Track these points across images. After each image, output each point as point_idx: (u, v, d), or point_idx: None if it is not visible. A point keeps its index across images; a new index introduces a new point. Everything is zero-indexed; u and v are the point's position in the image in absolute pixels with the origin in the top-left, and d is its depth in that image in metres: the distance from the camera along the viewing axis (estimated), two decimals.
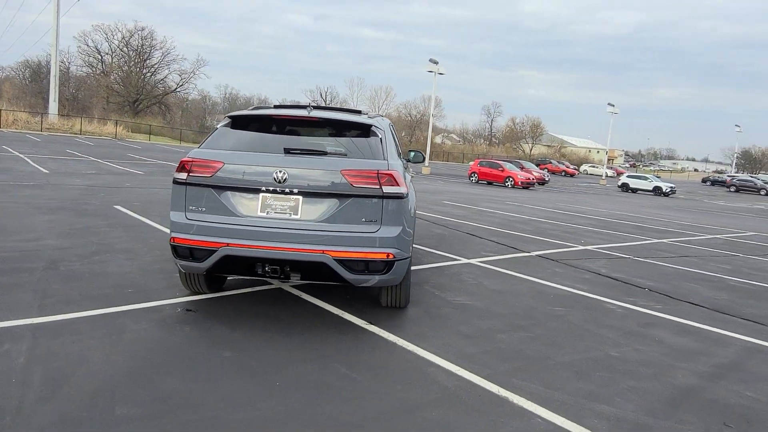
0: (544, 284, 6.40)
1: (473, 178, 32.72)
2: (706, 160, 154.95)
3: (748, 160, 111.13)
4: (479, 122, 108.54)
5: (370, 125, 4.59)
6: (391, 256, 4.18)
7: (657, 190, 38.25)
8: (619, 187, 40.50)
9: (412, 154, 6.60)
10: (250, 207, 4.19)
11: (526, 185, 30.67)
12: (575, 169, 65.47)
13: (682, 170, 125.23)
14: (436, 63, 38.09)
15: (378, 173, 4.19)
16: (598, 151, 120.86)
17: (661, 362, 4.22)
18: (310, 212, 4.17)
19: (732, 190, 54.32)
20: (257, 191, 4.17)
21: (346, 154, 4.33)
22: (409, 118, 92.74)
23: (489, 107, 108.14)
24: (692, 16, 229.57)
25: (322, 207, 4.18)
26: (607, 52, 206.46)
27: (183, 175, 4.26)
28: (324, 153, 4.29)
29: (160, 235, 7.51)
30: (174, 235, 4.25)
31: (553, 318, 5.12)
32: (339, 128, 4.61)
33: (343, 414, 3.08)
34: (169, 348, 3.82)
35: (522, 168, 35.08)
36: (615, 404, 3.44)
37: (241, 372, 3.53)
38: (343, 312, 4.78)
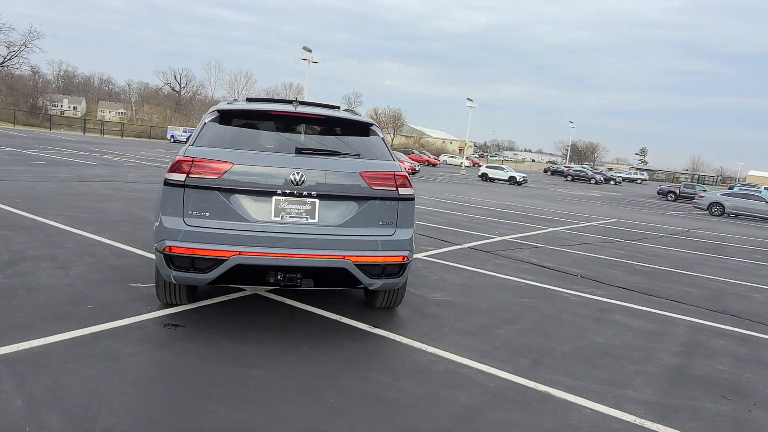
0: (497, 276, 6.73)
1: None
2: (540, 152, 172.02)
3: (575, 152, 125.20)
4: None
5: (371, 124, 4.46)
6: (405, 259, 4.13)
7: (512, 180, 41.64)
8: (479, 176, 43.43)
9: None
10: (262, 211, 3.86)
11: None
12: (436, 159, 68.89)
13: (523, 160, 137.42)
14: (309, 51, 37.57)
15: (394, 175, 4.11)
16: (451, 142, 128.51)
17: (641, 345, 4.70)
18: (328, 216, 3.95)
19: (569, 179, 61.04)
20: (270, 194, 3.85)
21: (359, 155, 4.16)
22: None
23: (350, 97, 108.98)
24: (534, 21, 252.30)
25: (341, 210, 3.99)
26: (460, 49, 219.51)
27: (180, 176, 3.79)
28: (337, 153, 4.08)
29: (76, 238, 6.58)
30: (169, 243, 3.77)
31: (528, 310, 5.42)
32: (341, 127, 4.41)
33: (424, 426, 3.01)
34: (185, 370, 3.41)
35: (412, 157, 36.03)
36: (635, 389, 3.77)
37: (284, 390, 3.27)
38: (339, 316, 4.62)
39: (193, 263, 3.80)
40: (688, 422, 3.36)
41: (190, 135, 4.28)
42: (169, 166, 3.93)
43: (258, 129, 4.25)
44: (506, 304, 5.55)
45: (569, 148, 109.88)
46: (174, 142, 51.45)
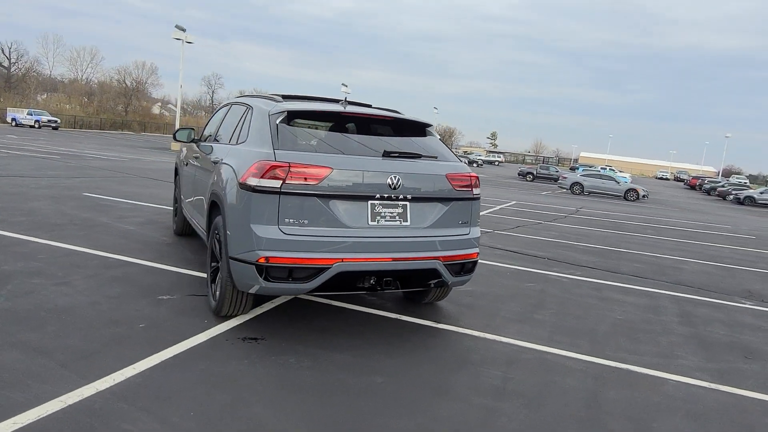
0: (487, 264, 7.13)
1: None
2: None
3: None
4: (199, 93, 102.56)
5: (429, 125, 4.52)
6: (477, 255, 4.31)
7: None
8: None
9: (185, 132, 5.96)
10: (359, 216, 3.79)
11: None
12: None
13: None
14: (183, 30, 35.02)
15: (470, 176, 4.24)
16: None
17: (652, 319, 5.36)
18: (418, 218, 3.99)
19: None
20: (367, 198, 3.79)
21: (436, 157, 4.22)
22: (125, 85, 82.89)
23: (210, 79, 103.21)
24: (391, 9, 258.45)
25: (430, 212, 4.05)
26: (323, 34, 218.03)
27: (275, 183, 3.58)
28: (419, 156, 4.10)
29: (39, 247, 5.75)
30: (265, 253, 3.57)
31: (541, 294, 5.86)
32: (406, 128, 4.41)
33: (574, 412, 3.25)
34: (310, 384, 3.28)
35: None
36: (684, 357, 4.35)
37: (422, 393, 3.30)
38: (398, 315, 4.66)
39: (291, 273, 3.63)
40: (744, 381, 3.99)
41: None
42: (250, 171, 3.67)
43: (334, 132, 4.12)
44: (520, 289, 5.95)
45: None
46: (17, 125, 45.14)
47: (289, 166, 3.60)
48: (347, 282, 3.76)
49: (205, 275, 5.27)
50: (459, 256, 4.12)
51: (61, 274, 4.90)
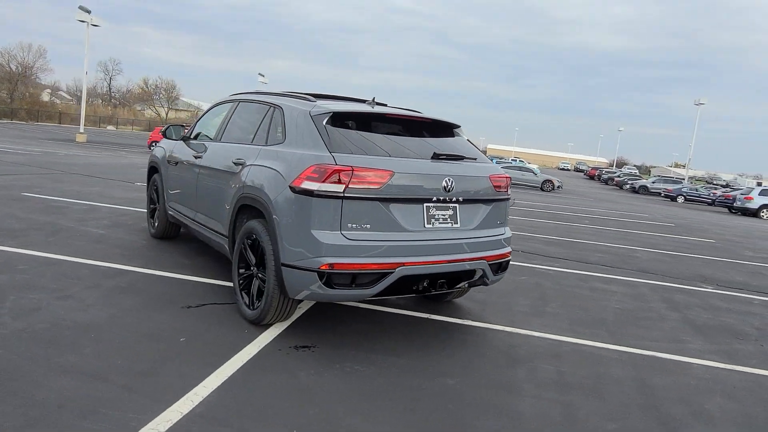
0: None
1: (153, 148, 29.86)
2: None
3: None
4: (95, 80, 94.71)
5: (458, 126, 4.57)
6: (510, 254, 4.45)
7: None
8: None
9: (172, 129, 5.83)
10: (416, 219, 3.78)
11: None
12: None
13: None
14: (88, 12, 32.34)
15: (506, 177, 4.35)
16: None
17: (644, 306, 5.78)
18: (466, 220, 4.05)
19: None
20: (422, 201, 3.79)
21: (476, 158, 4.28)
22: (9, 69, 75.31)
23: (106, 64, 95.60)
24: None
25: (475, 213, 4.12)
26: (230, 21, 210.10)
27: (338, 187, 3.49)
28: (462, 158, 4.15)
29: (16, 257, 5.19)
30: (329, 260, 3.48)
31: (539, 287, 6.13)
32: (440, 130, 4.42)
33: (635, 401, 3.47)
34: (386, 391, 3.26)
35: None
36: (691, 342, 4.75)
37: (494, 393, 3.39)
38: (428, 314, 4.71)
39: (354, 279, 3.57)
40: (750, 360, 4.44)
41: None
42: (304, 174, 3.55)
43: (380, 134, 4.04)
44: (517, 283, 6.18)
45: None
46: None
47: (352, 170, 3.52)
48: (406, 286, 3.75)
49: (213, 281, 5.03)
50: (499, 255, 4.23)
51: (57, 287, 4.47)
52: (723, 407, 3.52)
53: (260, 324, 4.02)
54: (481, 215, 4.14)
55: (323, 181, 3.49)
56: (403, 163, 3.75)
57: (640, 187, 44.37)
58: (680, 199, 37.81)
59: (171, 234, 6.40)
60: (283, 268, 3.65)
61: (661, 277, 7.41)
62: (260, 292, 4.03)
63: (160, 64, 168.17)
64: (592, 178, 66.65)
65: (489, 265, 4.12)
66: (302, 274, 3.56)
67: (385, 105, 4.87)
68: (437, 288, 3.90)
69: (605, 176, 58.49)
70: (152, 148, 29.12)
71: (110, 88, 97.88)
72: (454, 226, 3.96)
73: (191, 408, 2.86)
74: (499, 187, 4.26)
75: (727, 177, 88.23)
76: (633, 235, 12.42)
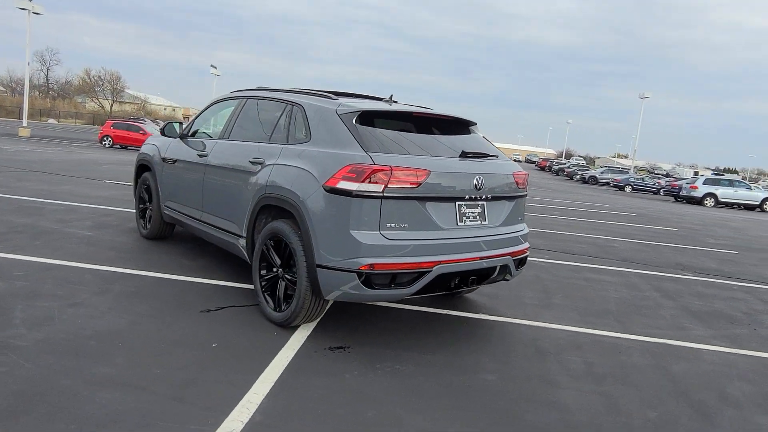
0: None
1: (106, 142, 28.70)
2: None
3: None
4: (30, 70, 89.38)
5: (475, 123, 4.61)
6: (529, 249, 4.54)
7: None
8: None
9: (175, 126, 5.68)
10: (449, 218, 3.80)
11: None
12: None
13: None
14: None
15: (526, 174, 4.42)
16: (174, 109, 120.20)
17: (639, 295, 6.00)
18: (493, 217, 4.10)
19: None
20: (454, 200, 3.82)
21: (497, 156, 4.33)
22: None
23: (43, 54, 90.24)
24: None
25: (501, 210, 4.17)
26: (175, 11, 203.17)
27: (377, 187, 3.46)
28: (487, 156, 4.18)
29: (9, 263, 4.89)
30: (370, 261, 3.45)
31: (539, 279, 6.27)
32: (460, 127, 4.44)
33: (671, 388, 3.62)
34: (428, 389, 3.29)
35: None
36: (692, 329, 4.97)
37: (531, 388, 3.46)
38: (447, 310, 4.75)
39: (394, 279, 3.56)
40: (749, 343, 4.69)
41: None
42: (340, 174, 3.51)
43: (409, 132, 4.02)
44: (518, 276, 6.29)
45: None
46: None
47: (391, 170, 3.49)
48: (441, 284, 3.77)
49: (224, 283, 4.92)
50: (521, 250, 4.31)
51: (63, 294, 4.25)
52: (743, 390, 3.71)
53: (288, 326, 3.96)
54: (505, 212, 4.20)
55: (362, 181, 3.45)
56: (438, 162, 3.76)
57: (590, 177, 45.84)
58: (628, 189, 39.37)
59: (165, 234, 6.19)
60: (318, 269, 3.60)
61: (645, 266, 7.72)
62: (287, 294, 3.97)
63: (102, 55, 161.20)
64: (542, 168, 68.31)
65: (513, 260, 4.19)
66: (340, 275, 3.52)
67: (396, 102, 4.85)
68: (468, 285, 3.93)
69: (556, 167, 60.05)
70: (104, 142, 28.09)
71: (48, 80, 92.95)
72: (483, 223, 4.01)
73: (250, 416, 2.79)
74: (520, 184, 4.33)
75: (666, 167, 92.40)
76: (603, 225, 12.85)
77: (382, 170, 3.47)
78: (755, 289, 6.95)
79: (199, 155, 5.11)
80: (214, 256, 5.74)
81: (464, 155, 3.98)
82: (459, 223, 3.85)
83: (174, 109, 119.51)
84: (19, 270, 4.71)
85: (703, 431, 3.12)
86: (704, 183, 30.50)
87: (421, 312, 4.65)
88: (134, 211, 6.69)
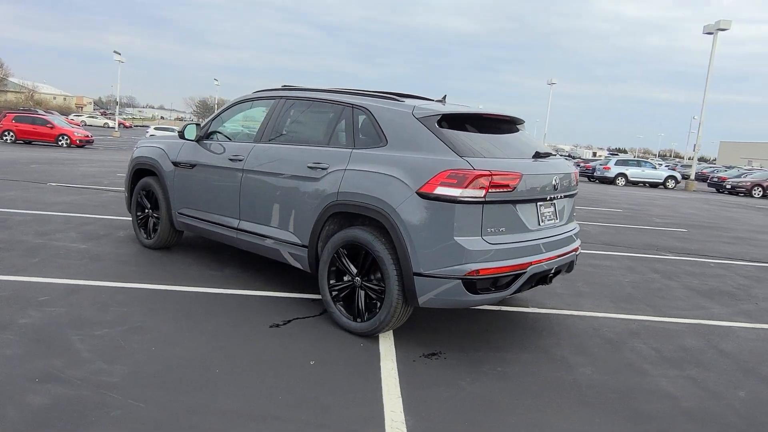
0: None
1: (8, 137, 25.98)
2: (162, 107, 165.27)
3: (205, 109, 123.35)
4: None
5: (523, 121, 4.68)
6: None
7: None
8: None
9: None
10: (533, 218, 3.86)
11: (84, 143, 26.72)
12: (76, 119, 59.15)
13: (153, 118, 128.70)
14: None
15: (576, 172, 4.56)
16: (65, 98, 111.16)
17: (648, 278, 6.40)
18: (562, 215, 4.22)
19: None
20: (535, 201, 3.87)
21: (556, 155, 4.42)
22: None
23: None
24: None
25: (566, 208, 4.31)
26: None
27: (479, 192, 3.45)
28: (549, 155, 4.26)
29: (53, 290, 4.37)
30: (475, 266, 3.44)
31: None
32: (515, 126, 4.48)
33: (735, 366, 3.92)
34: (559, 389, 3.37)
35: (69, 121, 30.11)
36: (708, 306, 5.40)
37: (641, 375, 3.64)
38: (499, 306, 4.82)
39: (495, 282, 3.58)
40: (764, 316, 5.19)
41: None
42: (437, 180, 3.46)
43: (475, 132, 3.99)
44: None
45: (198, 105, 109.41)
46: None
47: (491, 174, 3.49)
48: (529, 283, 3.83)
49: (270, 293, 4.71)
50: (578, 246, 4.46)
51: (111, 318, 3.88)
52: None
53: (370, 336, 3.86)
54: (567, 210, 4.33)
55: (465, 187, 3.42)
56: (525, 165, 3.80)
57: None
58: None
59: (172, 242, 5.78)
60: (415, 277, 3.53)
61: (627, 249, 8.24)
62: (369, 304, 3.86)
63: None
64: None
65: (575, 255, 4.34)
66: (440, 282, 3.48)
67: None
68: (547, 282, 4.02)
69: None
70: (5, 137, 25.41)
71: None
72: (556, 222, 4.11)
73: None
74: (577, 182, 4.48)
75: (566, 148, 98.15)
76: None
77: (483, 175, 3.46)
78: (729, 265, 7.65)
79: (231, 159, 4.81)
80: (236, 265, 5.45)
81: (537, 156, 4.05)
82: (540, 224, 3.92)
83: (65, 98, 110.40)
84: (42, 295, 4.23)
85: None
86: (616, 164, 32.87)
87: (477, 311, 4.68)
88: (116, 218, 6.18)
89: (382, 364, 3.51)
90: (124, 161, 17.00)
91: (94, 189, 10.34)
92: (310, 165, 4.17)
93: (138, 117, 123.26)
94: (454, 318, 4.46)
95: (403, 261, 3.57)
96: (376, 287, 3.79)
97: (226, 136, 5.15)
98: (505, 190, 3.57)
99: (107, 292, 4.39)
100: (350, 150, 4.03)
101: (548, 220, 4.02)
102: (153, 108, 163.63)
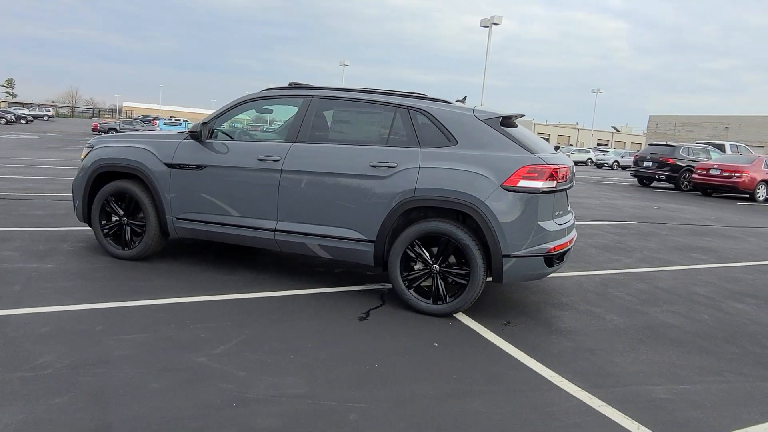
0: None
1: None
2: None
3: None
4: None
5: (523, 115, 5.48)
6: None
7: None
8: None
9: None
10: (567, 204, 4.77)
11: None
12: None
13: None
14: None
15: None
16: None
17: (650, 239, 7.87)
18: (568, 203, 5.15)
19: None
20: (566, 189, 4.73)
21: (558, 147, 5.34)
22: None
23: None
24: None
25: (568, 198, 5.22)
26: None
27: (552, 183, 4.26)
28: (558, 148, 5.16)
29: (90, 318, 3.80)
30: (552, 244, 4.26)
31: None
32: (518, 121, 5.25)
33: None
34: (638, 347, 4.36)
35: None
36: (696, 257, 7.04)
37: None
38: None
39: (560, 257, 4.41)
40: (655, 261, 6.96)
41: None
42: (518, 175, 4.12)
43: (515, 130, 4.60)
44: None
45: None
46: None
47: (558, 168, 4.27)
48: (559, 259, 4.63)
49: (321, 290, 4.88)
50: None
51: (213, 336, 3.73)
52: None
53: (450, 315, 4.36)
54: (568, 199, 5.31)
55: (545, 180, 4.16)
56: (563, 158, 4.63)
57: None
58: None
59: (157, 251, 5.34)
60: (504, 258, 4.15)
61: (601, 220, 10.02)
62: (449, 287, 4.33)
63: None
64: None
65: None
66: (526, 260, 4.18)
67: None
68: (562, 261, 4.88)
69: None
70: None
71: None
72: (569, 209, 5.03)
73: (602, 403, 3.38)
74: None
75: None
76: None
77: (554, 169, 4.23)
78: (595, 225, 9.69)
79: (262, 160, 4.72)
80: (246, 267, 5.36)
81: (556, 149, 4.93)
82: (569, 209, 4.84)
83: None
84: (100, 324, 3.77)
85: None
86: None
87: (487, 287, 5.44)
88: (60, 229, 5.43)
89: (487, 336, 4.07)
90: None
91: None
92: (372, 164, 4.41)
93: None
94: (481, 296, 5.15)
95: (492, 245, 4.16)
96: (459, 271, 4.29)
97: (248, 135, 4.99)
98: (562, 180, 4.39)
99: (147, 312, 4.08)
100: (418, 149, 4.40)
101: (568, 206, 4.95)
102: None
